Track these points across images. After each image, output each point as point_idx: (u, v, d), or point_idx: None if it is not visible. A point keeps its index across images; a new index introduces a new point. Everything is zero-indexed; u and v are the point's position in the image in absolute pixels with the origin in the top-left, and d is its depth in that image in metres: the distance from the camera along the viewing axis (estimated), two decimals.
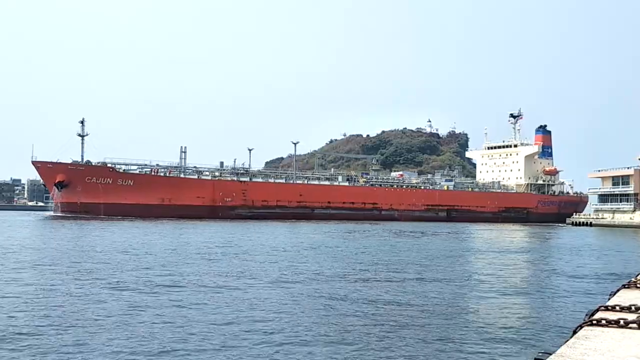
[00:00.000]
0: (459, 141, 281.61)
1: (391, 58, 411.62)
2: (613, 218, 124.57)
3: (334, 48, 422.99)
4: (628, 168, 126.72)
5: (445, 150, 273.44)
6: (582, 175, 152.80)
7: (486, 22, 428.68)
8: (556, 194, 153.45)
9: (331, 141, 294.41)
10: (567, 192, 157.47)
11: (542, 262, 40.54)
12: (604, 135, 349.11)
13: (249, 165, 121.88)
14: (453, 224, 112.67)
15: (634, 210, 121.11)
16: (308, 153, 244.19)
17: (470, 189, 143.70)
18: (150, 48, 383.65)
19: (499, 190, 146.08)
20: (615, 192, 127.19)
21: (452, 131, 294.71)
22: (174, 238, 52.97)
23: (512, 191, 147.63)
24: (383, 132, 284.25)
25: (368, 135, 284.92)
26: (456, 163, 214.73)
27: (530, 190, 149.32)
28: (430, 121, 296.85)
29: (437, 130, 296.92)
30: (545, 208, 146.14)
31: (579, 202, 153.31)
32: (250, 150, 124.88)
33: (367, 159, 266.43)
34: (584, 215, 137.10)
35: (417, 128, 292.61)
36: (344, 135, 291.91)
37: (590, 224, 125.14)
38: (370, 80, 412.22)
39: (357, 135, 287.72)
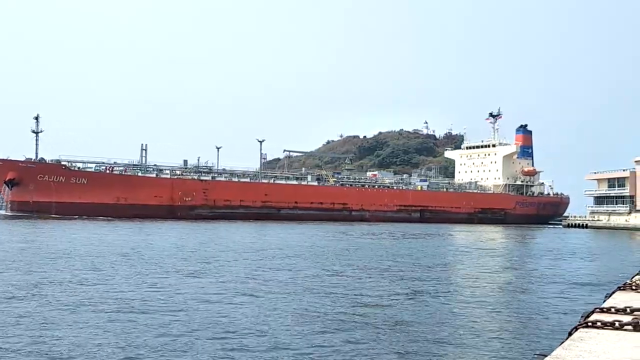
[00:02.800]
0: (456, 142, 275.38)
1: (391, 58, 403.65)
2: (609, 220, 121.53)
3: (334, 48, 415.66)
4: (624, 170, 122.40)
5: (441, 151, 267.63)
6: (579, 177, 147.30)
7: (485, 23, 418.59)
8: (535, 194, 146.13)
9: (328, 142, 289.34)
10: (548, 193, 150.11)
11: (536, 264, 39.20)
12: (601, 137, 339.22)
13: (217, 164, 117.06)
14: (426, 225, 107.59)
15: (630, 213, 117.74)
16: (305, 154, 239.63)
17: (445, 189, 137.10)
18: (150, 48, 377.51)
19: (476, 191, 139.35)
20: (611, 194, 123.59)
21: (449, 133, 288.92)
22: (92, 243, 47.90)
23: (489, 192, 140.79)
24: (380, 133, 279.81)
25: (365, 137, 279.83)
26: (452, 164, 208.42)
27: (509, 191, 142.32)
28: (426, 122, 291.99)
29: (433, 131, 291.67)
30: (524, 209, 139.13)
31: (559, 203, 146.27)
32: (218, 148, 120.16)
33: (364, 160, 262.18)
34: (580, 217, 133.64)
35: (414, 129, 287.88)
36: (341, 136, 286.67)
37: (586, 226, 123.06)
38: (369, 80, 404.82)
39: (354, 137, 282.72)
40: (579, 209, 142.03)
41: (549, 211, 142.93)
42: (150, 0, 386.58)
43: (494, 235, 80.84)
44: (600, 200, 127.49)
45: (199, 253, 37.94)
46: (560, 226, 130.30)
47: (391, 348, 14.78)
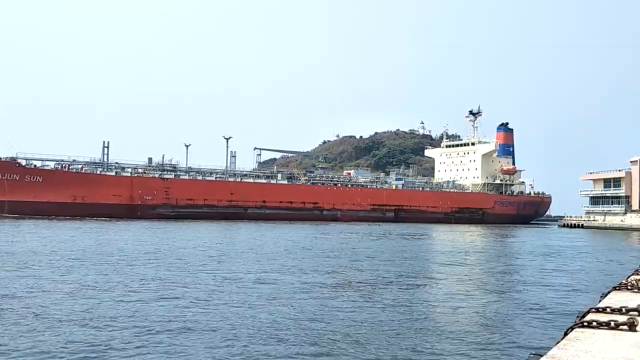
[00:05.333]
0: None
1: (389, 59, 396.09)
2: (604, 220, 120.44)
3: (332, 49, 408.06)
4: (619, 170, 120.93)
5: None
6: (574, 177, 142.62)
7: (483, 23, 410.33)
8: (515, 194, 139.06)
9: (324, 142, 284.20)
10: (529, 193, 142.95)
11: (532, 264, 37.66)
12: (596, 137, 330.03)
13: (186, 162, 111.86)
14: (399, 225, 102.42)
15: (625, 213, 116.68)
16: (301, 153, 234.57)
17: (421, 189, 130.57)
18: (150, 48, 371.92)
19: (453, 190, 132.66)
20: (607, 195, 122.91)
21: (445, 133, 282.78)
22: None
23: (468, 191, 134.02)
24: (376, 133, 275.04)
25: (361, 137, 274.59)
26: None
27: (488, 190, 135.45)
28: (422, 123, 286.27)
29: (429, 131, 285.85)
30: (503, 208, 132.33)
31: (539, 203, 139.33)
32: (187, 146, 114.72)
33: (360, 160, 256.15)
34: (575, 217, 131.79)
35: (410, 129, 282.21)
36: (337, 136, 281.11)
37: (582, 226, 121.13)
38: (367, 80, 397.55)
39: (350, 137, 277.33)
40: (575, 209, 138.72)
41: (529, 211, 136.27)
42: (149, 0, 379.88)
43: (471, 236, 75.45)
44: (595, 200, 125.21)
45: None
46: (556, 226, 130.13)
47: (385, 351, 14.04)
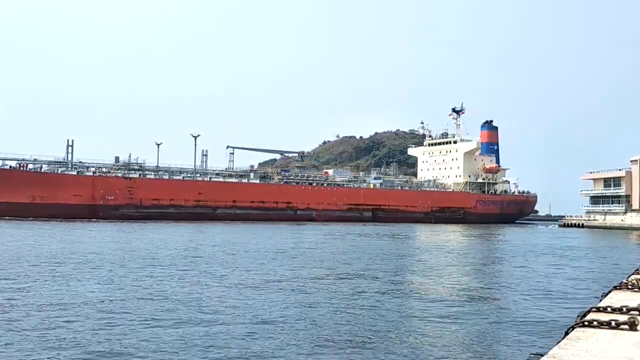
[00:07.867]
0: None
1: (389, 59, 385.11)
2: (605, 220, 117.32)
3: (332, 48, 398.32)
4: (619, 170, 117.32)
5: None
6: (575, 177, 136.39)
7: (482, 24, 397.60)
8: (498, 193, 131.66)
9: (324, 142, 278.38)
10: (513, 192, 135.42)
11: (533, 263, 36.77)
12: (597, 137, 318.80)
13: (157, 161, 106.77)
14: (375, 225, 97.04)
15: (625, 212, 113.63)
16: (300, 153, 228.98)
17: (400, 188, 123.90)
18: (150, 48, 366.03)
19: (434, 189, 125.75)
20: (607, 194, 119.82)
21: (445, 133, 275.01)
22: None
23: (449, 190, 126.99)
24: (376, 133, 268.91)
25: (361, 137, 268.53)
26: None
27: (470, 189, 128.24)
28: (422, 123, 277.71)
29: (430, 132, 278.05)
30: (485, 208, 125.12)
31: (524, 202, 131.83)
32: (158, 145, 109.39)
33: (360, 161, 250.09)
34: (576, 216, 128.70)
35: (410, 130, 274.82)
36: (337, 136, 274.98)
37: (582, 226, 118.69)
38: (367, 80, 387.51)
39: (350, 137, 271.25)
40: (576, 209, 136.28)
41: (513, 210, 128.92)
42: (149, 2, 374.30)
43: (451, 236, 69.95)
44: (596, 200, 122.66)
45: None
46: (556, 225, 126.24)
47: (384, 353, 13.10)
